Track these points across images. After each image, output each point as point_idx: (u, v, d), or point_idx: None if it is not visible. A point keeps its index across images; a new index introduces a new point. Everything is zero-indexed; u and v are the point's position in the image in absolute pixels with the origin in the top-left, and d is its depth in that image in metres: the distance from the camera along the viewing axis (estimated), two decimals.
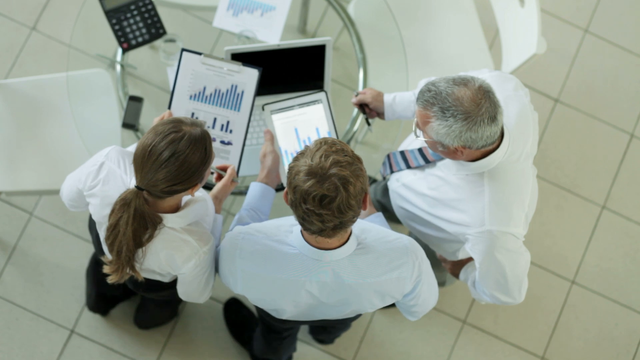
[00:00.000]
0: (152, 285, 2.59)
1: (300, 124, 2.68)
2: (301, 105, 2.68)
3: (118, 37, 2.97)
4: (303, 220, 2.08)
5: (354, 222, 2.09)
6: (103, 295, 3.41)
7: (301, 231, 2.18)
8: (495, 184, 2.34)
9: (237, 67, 2.62)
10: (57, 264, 3.54)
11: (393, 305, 3.31)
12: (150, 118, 2.95)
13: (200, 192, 2.42)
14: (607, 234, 3.77)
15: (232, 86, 2.63)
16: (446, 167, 2.45)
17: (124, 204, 2.21)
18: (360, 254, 2.21)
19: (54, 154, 3.14)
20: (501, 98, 2.30)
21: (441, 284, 3.37)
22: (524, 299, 2.53)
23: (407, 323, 3.60)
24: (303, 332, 3.52)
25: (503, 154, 2.31)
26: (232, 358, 3.52)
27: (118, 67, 3.03)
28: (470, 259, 2.71)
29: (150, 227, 2.26)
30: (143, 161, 2.17)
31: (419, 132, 2.31)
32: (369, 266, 2.22)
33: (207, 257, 2.37)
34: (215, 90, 2.63)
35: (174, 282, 2.55)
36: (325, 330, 3.35)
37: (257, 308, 2.84)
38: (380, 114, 2.84)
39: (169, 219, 2.28)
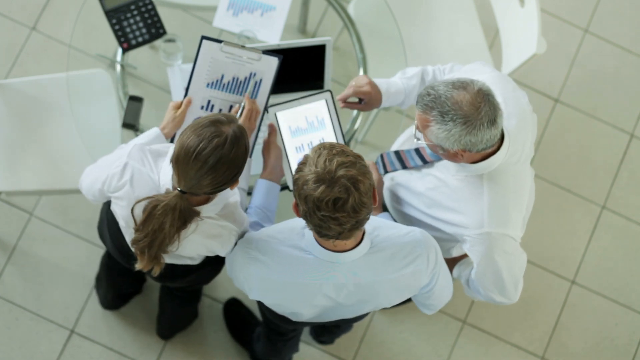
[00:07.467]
0: (178, 271, 2.59)
1: (305, 124, 2.68)
2: (306, 104, 2.67)
3: (118, 37, 2.97)
4: (320, 228, 2.06)
5: (368, 219, 2.09)
6: (120, 295, 3.43)
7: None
8: (495, 186, 2.34)
9: (256, 55, 2.60)
10: (57, 264, 3.54)
11: (399, 303, 3.32)
12: (151, 118, 2.95)
13: None
14: (607, 234, 3.77)
15: (250, 74, 2.62)
16: (445, 168, 2.44)
17: (167, 208, 2.19)
18: (375, 252, 2.21)
19: (54, 154, 3.14)
20: (501, 99, 2.29)
21: None
22: (518, 298, 2.53)
23: (407, 323, 3.60)
24: (304, 333, 3.52)
25: (503, 156, 2.31)
26: (232, 358, 3.52)
27: (118, 67, 3.03)
28: (463, 256, 2.71)
29: (191, 223, 2.27)
30: (187, 166, 2.15)
31: (419, 134, 2.31)
32: (385, 263, 2.22)
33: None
34: (234, 79, 2.62)
35: (200, 265, 2.55)
36: (327, 331, 3.35)
37: (261, 310, 2.84)
38: (367, 107, 2.72)
39: (205, 210, 2.28)
